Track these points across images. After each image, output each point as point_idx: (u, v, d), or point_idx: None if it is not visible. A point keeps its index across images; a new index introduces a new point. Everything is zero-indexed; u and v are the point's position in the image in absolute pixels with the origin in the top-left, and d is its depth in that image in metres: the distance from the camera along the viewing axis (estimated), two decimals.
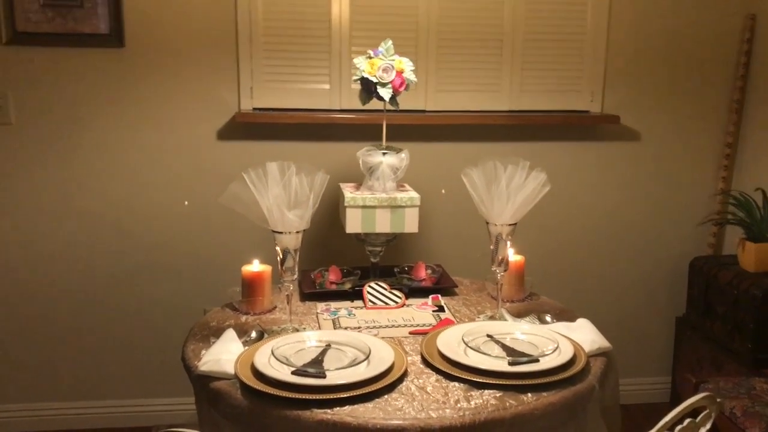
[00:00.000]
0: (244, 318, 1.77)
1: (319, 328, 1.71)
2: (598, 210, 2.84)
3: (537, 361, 1.46)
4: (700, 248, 2.91)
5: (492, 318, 1.76)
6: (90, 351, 2.69)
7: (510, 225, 1.68)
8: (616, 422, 1.57)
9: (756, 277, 2.51)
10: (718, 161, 2.87)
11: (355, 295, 1.89)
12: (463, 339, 1.54)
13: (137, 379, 2.73)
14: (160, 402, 2.74)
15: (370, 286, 1.89)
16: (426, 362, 1.49)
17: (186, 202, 2.60)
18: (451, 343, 1.54)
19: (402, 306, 1.85)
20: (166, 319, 2.69)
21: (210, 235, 2.65)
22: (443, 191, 2.61)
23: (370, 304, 1.84)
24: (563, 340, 1.55)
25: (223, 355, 1.48)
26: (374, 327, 1.71)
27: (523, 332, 1.61)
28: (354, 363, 1.44)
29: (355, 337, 1.55)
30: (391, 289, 1.90)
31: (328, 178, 1.63)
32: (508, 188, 1.65)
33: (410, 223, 1.91)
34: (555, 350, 1.49)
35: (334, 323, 1.73)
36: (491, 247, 1.72)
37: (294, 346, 1.53)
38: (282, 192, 1.59)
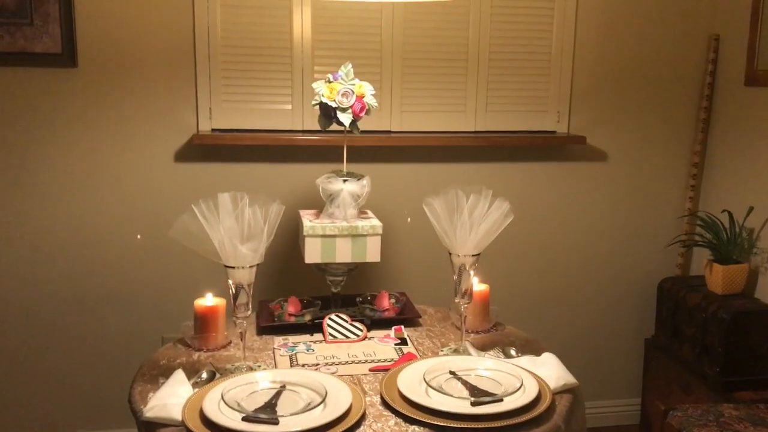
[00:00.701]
0: (196, 355, 1.69)
1: (275, 366, 1.63)
2: (564, 232, 2.80)
3: (501, 400, 1.40)
4: (668, 269, 2.89)
5: (456, 351, 1.70)
6: (37, 381, 2.57)
7: (473, 255, 1.63)
8: None
9: (724, 300, 2.48)
10: (686, 181, 2.85)
11: (315, 327, 1.82)
12: (424, 378, 1.47)
13: (85, 411, 2.62)
14: None
15: (330, 319, 1.82)
16: (386, 403, 1.42)
17: (138, 236, 2.51)
18: (412, 382, 1.48)
19: (363, 339, 1.78)
20: (117, 349, 2.58)
21: (165, 262, 2.55)
22: (409, 220, 2.55)
23: (330, 337, 1.77)
24: (528, 376, 1.49)
25: (171, 399, 1.40)
26: (333, 363, 1.64)
27: (486, 368, 1.55)
28: (309, 407, 1.36)
29: (312, 378, 1.48)
30: (353, 321, 1.83)
31: (284, 208, 1.56)
32: (471, 218, 1.59)
33: (372, 252, 1.84)
34: (519, 388, 1.43)
35: (291, 360, 1.66)
36: (455, 277, 1.66)
37: (246, 388, 1.45)
38: (234, 224, 1.51)
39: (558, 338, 2.77)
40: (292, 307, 1.88)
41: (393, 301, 1.95)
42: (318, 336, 1.80)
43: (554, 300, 2.84)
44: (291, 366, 1.62)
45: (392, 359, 1.66)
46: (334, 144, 2.38)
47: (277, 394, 1.43)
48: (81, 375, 2.59)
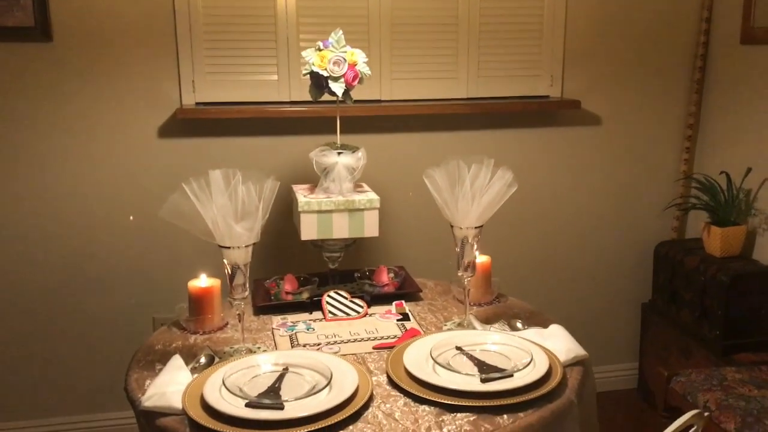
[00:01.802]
0: (192, 338, 1.63)
1: (275, 347, 1.58)
2: (558, 198, 2.75)
3: (511, 376, 1.36)
4: (664, 233, 2.86)
5: (460, 325, 1.66)
6: (25, 366, 2.51)
7: (476, 228, 1.57)
8: None
9: (722, 262, 2.46)
10: (681, 144, 2.81)
11: (314, 305, 1.77)
12: (431, 354, 1.43)
13: (78, 394, 2.56)
14: (104, 417, 2.58)
15: (329, 296, 1.77)
16: (393, 383, 1.38)
17: (131, 217, 2.43)
18: (418, 359, 1.43)
19: (364, 316, 1.73)
20: (109, 332, 2.52)
21: (155, 243, 2.48)
22: (411, 194, 2.49)
23: (330, 315, 1.72)
24: (537, 350, 1.45)
25: (170, 387, 1.34)
26: (335, 342, 1.59)
27: (494, 342, 1.51)
28: (314, 390, 1.31)
29: (315, 359, 1.43)
30: (352, 297, 1.78)
31: (279, 185, 1.50)
32: (473, 189, 1.54)
33: (370, 227, 1.78)
34: (529, 363, 1.39)
35: (291, 340, 1.61)
36: (457, 250, 1.61)
37: (247, 372, 1.40)
38: (228, 203, 1.45)
39: (555, 305, 2.73)
40: (288, 285, 1.83)
41: (392, 275, 1.90)
42: (317, 314, 1.75)
43: (550, 267, 2.81)
44: (292, 347, 1.57)
45: (395, 336, 1.62)
46: (324, 115, 2.30)
47: (280, 378, 1.38)
48: (73, 358, 2.52)
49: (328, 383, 1.33)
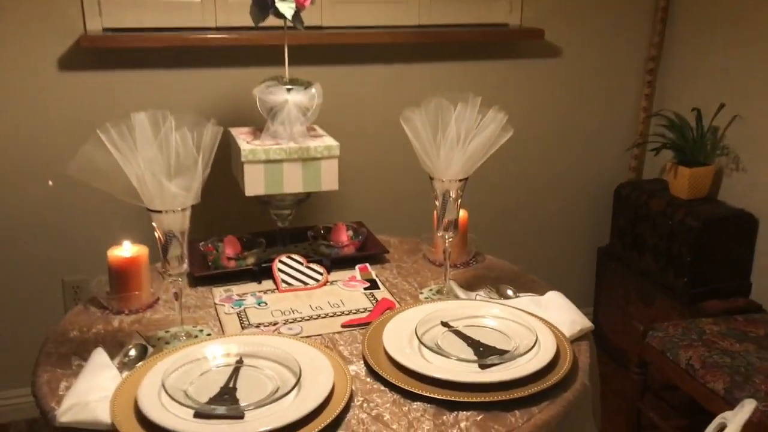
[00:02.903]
0: (116, 320, 1.33)
1: (222, 330, 1.30)
2: (516, 136, 2.51)
3: (514, 356, 1.14)
4: (623, 174, 2.70)
5: (439, 293, 1.42)
6: None
7: (460, 180, 1.32)
8: (598, 414, 1.29)
9: (690, 206, 2.31)
10: (643, 78, 2.62)
11: (263, 273, 1.49)
12: (416, 334, 1.18)
13: None
14: (14, 395, 2.25)
15: (281, 262, 1.49)
16: (374, 373, 1.13)
17: (50, 182, 2.04)
18: (400, 341, 1.19)
19: (324, 284, 1.47)
20: (14, 308, 2.16)
21: (63, 202, 2.10)
22: (369, 136, 2.19)
23: (284, 285, 1.45)
24: (538, 324, 1.23)
25: (92, 394, 1.05)
26: (295, 320, 1.32)
27: (487, 316, 1.28)
28: (280, 392, 1.05)
29: (275, 346, 1.16)
30: (308, 262, 1.51)
31: (221, 131, 1.19)
32: (458, 134, 1.28)
33: (328, 179, 1.50)
34: (535, 343, 1.16)
35: (240, 319, 1.33)
36: (436, 204, 1.35)
37: (192, 368, 1.12)
38: (158, 155, 1.13)
39: (508, 247, 2.55)
40: (229, 248, 1.54)
41: (351, 233, 1.64)
42: (268, 284, 1.47)
43: (504, 210, 2.60)
44: (242, 328, 1.29)
45: (366, 309, 1.36)
46: (258, 44, 1.98)
47: (235, 374, 1.11)
48: None
49: (297, 381, 1.07)
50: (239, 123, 1.68)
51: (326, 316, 1.34)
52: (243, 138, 1.53)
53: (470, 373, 1.10)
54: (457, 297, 1.38)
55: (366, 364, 1.16)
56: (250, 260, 1.52)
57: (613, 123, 2.64)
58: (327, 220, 1.70)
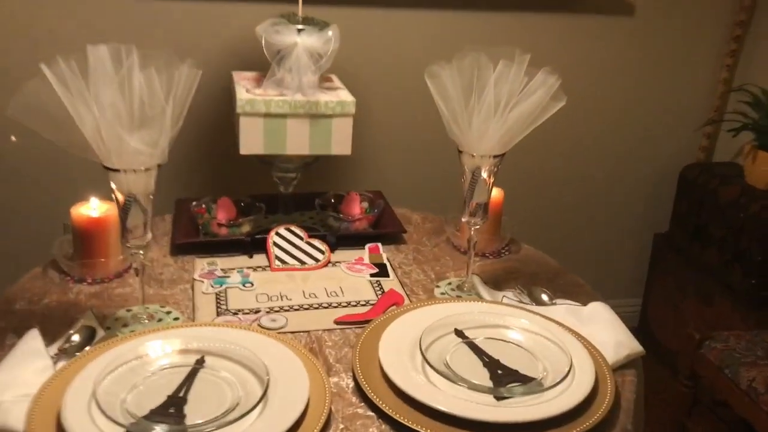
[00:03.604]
0: (75, 291, 1.13)
1: (193, 313, 1.09)
2: (573, 103, 2.23)
3: (540, 389, 0.90)
4: (690, 154, 2.38)
5: (459, 289, 1.18)
6: None
7: (495, 156, 1.07)
8: None
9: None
10: (727, 46, 2.28)
11: (255, 245, 1.27)
12: (421, 348, 0.95)
13: None
14: None
15: (278, 234, 1.27)
16: (363, 393, 0.91)
17: (13, 138, 1.81)
18: (400, 352, 0.96)
19: (325, 265, 1.24)
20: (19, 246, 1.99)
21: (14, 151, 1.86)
22: (394, 94, 1.88)
23: (277, 263, 1.23)
24: (575, 344, 0.99)
25: (10, 391, 0.85)
26: (281, 309, 1.10)
27: (512, 327, 1.04)
28: (236, 411, 0.83)
29: (243, 346, 0.94)
30: (309, 237, 1.28)
31: (199, 74, 0.96)
32: (498, 99, 1.02)
33: (340, 141, 1.26)
34: (568, 373, 0.92)
35: (218, 302, 1.12)
36: (464, 184, 1.11)
37: (138, 366, 0.91)
38: (118, 99, 0.91)
39: (548, 228, 2.30)
40: (222, 212, 1.32)
41: (365, 205, 1.40)
42: (260, 259, 1.25)
43: (554, 187, 2.32)
44: (217, 314, 1.08)
45: (368, 302, 1.14)
46: None
47: (190, 378, 0.90)
48: None
49: (263, 396, 0.85)
50: (245, 66, 1.45)
51: (319, 306, 1.12)
52: (243, 85, 1.30)
53: (481, 406, 0.87)
54: (479, 296, 1.15)
55: (354, 378, 0.94)
56: (245, 228, 1.31)
57: (685, 96, 2.31)
58: (340, 187, 1.46)
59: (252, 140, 1.23)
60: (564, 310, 1.10)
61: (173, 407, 0.84)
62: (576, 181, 2.33)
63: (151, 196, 0.98)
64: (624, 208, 2.43)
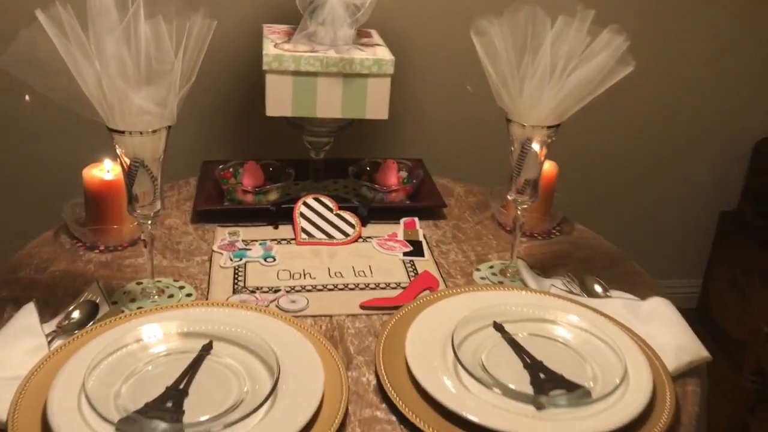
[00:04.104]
0: (85, 258, 1.06)
1: (208, 289, 1.00)
2: (637, 70, 2.04)
3: (589, 399, 0.78)
4: (765, 125, 2.18)
5: (501, 274, 1.06)
6: None
7: (549, 127, 0.94)
8: None
9: None
10: None
11: (282, 215, 1.17)
12: (453, 346, 0.84)
13: None
14: None
15: (306, 205, 1.16)
16: (384, 394, 0.81)
17: (27, 97, 1.72)
18: (430, 351, 0.85)
19: (355, 240, 1.14)
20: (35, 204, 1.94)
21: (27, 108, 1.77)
22: (469, 88, 1.68)
23: (303, 236, 1.13)
24: (631, 346, 0.86)
25: None
26: (303, 289, 1.00)
27: (559, 323, 0.92)
28: (241, 409, 0.74)
29: (255, 332, 0.84)
30: (340, 208, 1.17)
31: (215, 24, 0.85)
32: (555, 61, 0.89)
33: (376, 104, 1.14)
34: (622, 381, 0.80)
35: (235, 278, 1.02)
36: (512, 157, 0.98)
37: (138, 350, 0.82)
38: (123, 51, 0.81)
39: (612, 207, 2.14)
40: (248, 178, 1.22)
41: (404, 175, 1.29)
42: (285, 230, 1.15)
43: (612, 160, 2.14)
44: (233, 291, 0.99)
45: (399, 284, 1.03)
46: None
47: (194, 366, 0.81)
48: None
49: (273, 389, 0.76)
50: (276, 20, 1.33)
51: (345, 287, 1.01)
52: (272, 39, 1.18)
53: (519, 417, 0.76)
54: (524, 284, 1.03)
55: (376, 375, 0.84)
56: (272, 196, 1.21)
57: (766, 62, 2.10)
58: (377, 154, 1.35)
59: (279, 101, 1.11)
60: (621, 305, 0.97)
61: (171, 401, 0.75)
62: (637, 154, 2.15)
63: (160, 161, 0.88)
64: (689, 183, 2.25)
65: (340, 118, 1.17)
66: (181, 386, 0.77)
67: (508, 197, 1.01)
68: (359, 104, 1.13)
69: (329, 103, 1.12)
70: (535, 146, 0.95)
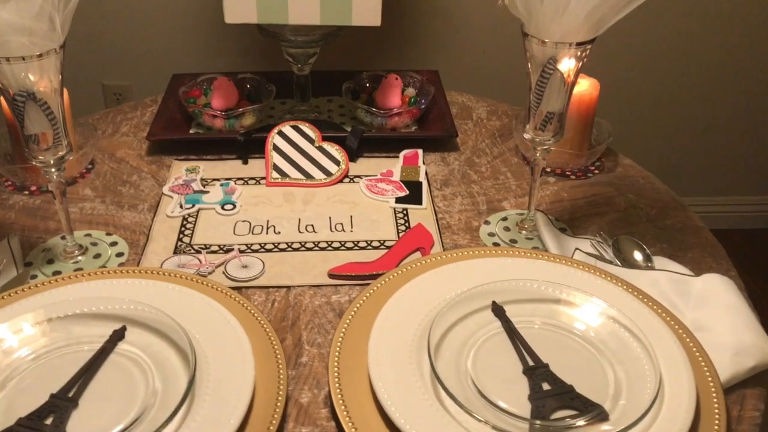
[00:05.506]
0: (10, 202, 0.88)
1: (146, 246, 0.81)
2: None
3: (603, 429, 0.58)
4: None
5: (516, 230, 0.84)
6: None
7: (578, 45, 0.68)
8: None
9: None
10: None
11: (253, 147, 0.96)
12: (428, 347, 0.64)
13: None
14: None
15: (281, 134, 0.95)
16: (333, 411, 0.62)
17: None
18: (401, 347, 0.65)
19: (340, 180, 0.92)
20: None
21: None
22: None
23: (275, 175, 0.92)
24: (670, 343, 0.64)
25: None
26: (261, 248, 0.81)
27: (578, 306, 0.70)
28: (140, 423, 0.57)
29: (171, 316, 0.65)
30: (323, 139, 0.95)
31: None
32: None
33: (364, 6, 0.89)
34: (656, 398, 0.59)
35: (181, 232, 0.83)
36: (529, 83, 0.74)
37: (30, 339, 0.65)
38: None
39: (673, 121, 1.84)
40: (219, 98, 1.01)
41: (411, 92, 1.05)
42: (256, 165, 0.95)
43: (667, 77, 1.81)
44: (174, 252, 0.80)
45: (382, 243, 0.82)
46: None
47: (96, 362, 0.63)
48: None
49: (187, 393, 0.58)
50: None
51: (314, 246, 0.81)
52: None
53: None
54: (543, 245, 0.80)
55: (328, 383, 0.65)
56: (247, 121, 1.00)
57: None
58: (376, 66, 1.11)
59: (240, 3, 0.88)
60: (666, 280, 0.74)
61: (54, 414, 0.58)
62: (698, 69, 1.81)
63: (58, 93, 0.68)
64: (752, 109, 1.90)
65: (321, 26, 0.93)
66: (71, 393, 0.60)
67: (525, 136, 0.77)
68: (344, 7, 0.88)
69: (305, 6, 0.88)
70: (561, 67, 0.70)
